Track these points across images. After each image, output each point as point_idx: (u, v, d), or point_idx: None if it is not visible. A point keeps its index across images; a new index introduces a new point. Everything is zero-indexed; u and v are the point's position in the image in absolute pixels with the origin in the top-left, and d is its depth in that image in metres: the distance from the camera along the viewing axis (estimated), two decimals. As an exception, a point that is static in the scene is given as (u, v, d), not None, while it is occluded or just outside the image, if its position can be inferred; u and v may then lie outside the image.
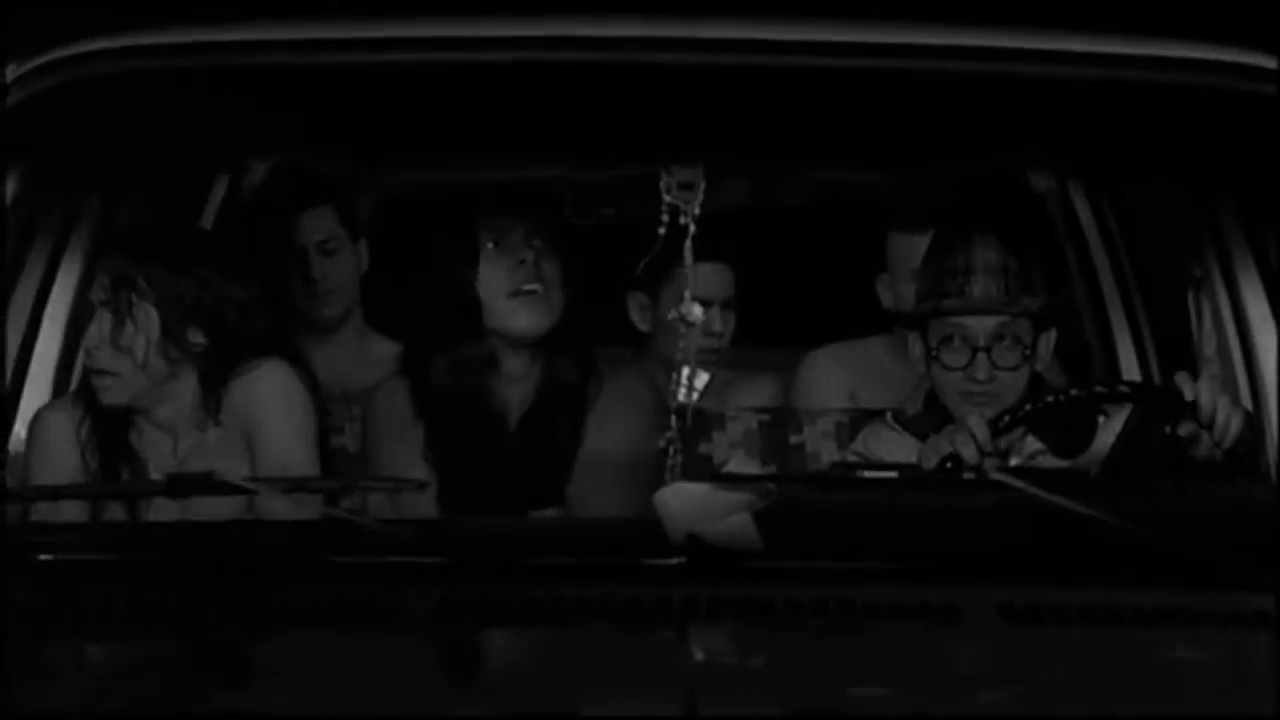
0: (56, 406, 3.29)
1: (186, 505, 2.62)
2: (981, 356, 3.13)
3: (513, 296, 3.10)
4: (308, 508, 2.56)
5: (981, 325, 3.15)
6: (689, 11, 2.85)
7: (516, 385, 3.17)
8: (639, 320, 3.79)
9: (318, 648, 2.20)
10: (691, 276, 3.58)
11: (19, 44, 2.86)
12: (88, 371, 3.20)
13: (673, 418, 2.96)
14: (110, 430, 3.21)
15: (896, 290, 3.79)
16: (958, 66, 2.79)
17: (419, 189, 4.36)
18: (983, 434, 2.90)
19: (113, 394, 3.18)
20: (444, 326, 3.13)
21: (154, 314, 3.15)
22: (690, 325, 2.95)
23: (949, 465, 2.85)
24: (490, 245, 3.10)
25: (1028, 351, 3.17)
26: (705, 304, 3.55)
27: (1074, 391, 3.10)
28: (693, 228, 2.84)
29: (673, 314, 3.27)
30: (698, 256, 3.31)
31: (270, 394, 3.20)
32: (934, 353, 3.17)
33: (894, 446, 3.23)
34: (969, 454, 2.88)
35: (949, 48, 2.79)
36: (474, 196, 3.26)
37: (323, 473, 3.23)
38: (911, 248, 3.70)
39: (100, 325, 3.16)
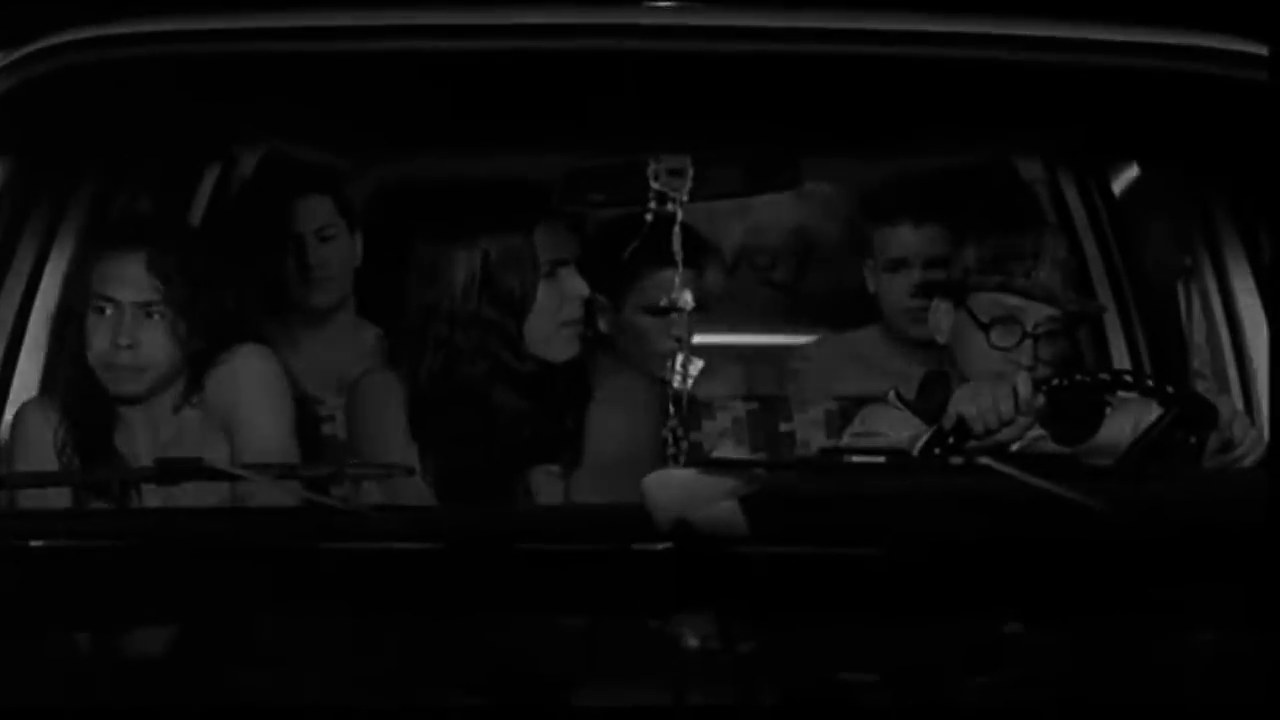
0: (34, 404, 3.27)
1: (169, 492, 2.63)
2: (1029, 342, 3.18)
3: (562, 327, 3.14)
4: (293, 494, 2.56)
5: (1036, 312, 3.19)
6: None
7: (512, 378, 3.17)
8: (600, 323, 3.79)
9: (307, 634, 2.20)
10: (656, 282, 3.62)
11: (7, 31, 2.85)
12: (98, 366, 3.18)
13: (671, 406, 2.97)
14: (91, 424, 3.20)
15: (879, 276, 3.82)
16: (947, 53, 2.79)
17: (412, 179, 4.35)
18: (1026, 391, 2.92)
19: (133, 388, 3.19)
20: (440, 319, 3.12)
21: (183, 310, 3.16)
22: (682, 311, 2.95)
23: (951, 440, 2.85)
24: (546, 274, 3.12)
25: (1064, 350, 3.22)
26: (668, 312, 3.57)
27: (1127, 377, 3.12)
28: (656, 227, 2.85)
29: (665, 301, 3.28)
30: (660, 261, 3.34)
31: (248, 377, 3.21)
32: (984, 327, 3.19)
33: (897, 423, 3.24)
34: (1007, 408, 2.90)
35: (938, 34, 2.79)
36: (486, 194, 3.25)
37: (311, 460, 3.24)
38: (895, 236, 3.75)
39: (128, 323, 3.15)
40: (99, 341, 3.17)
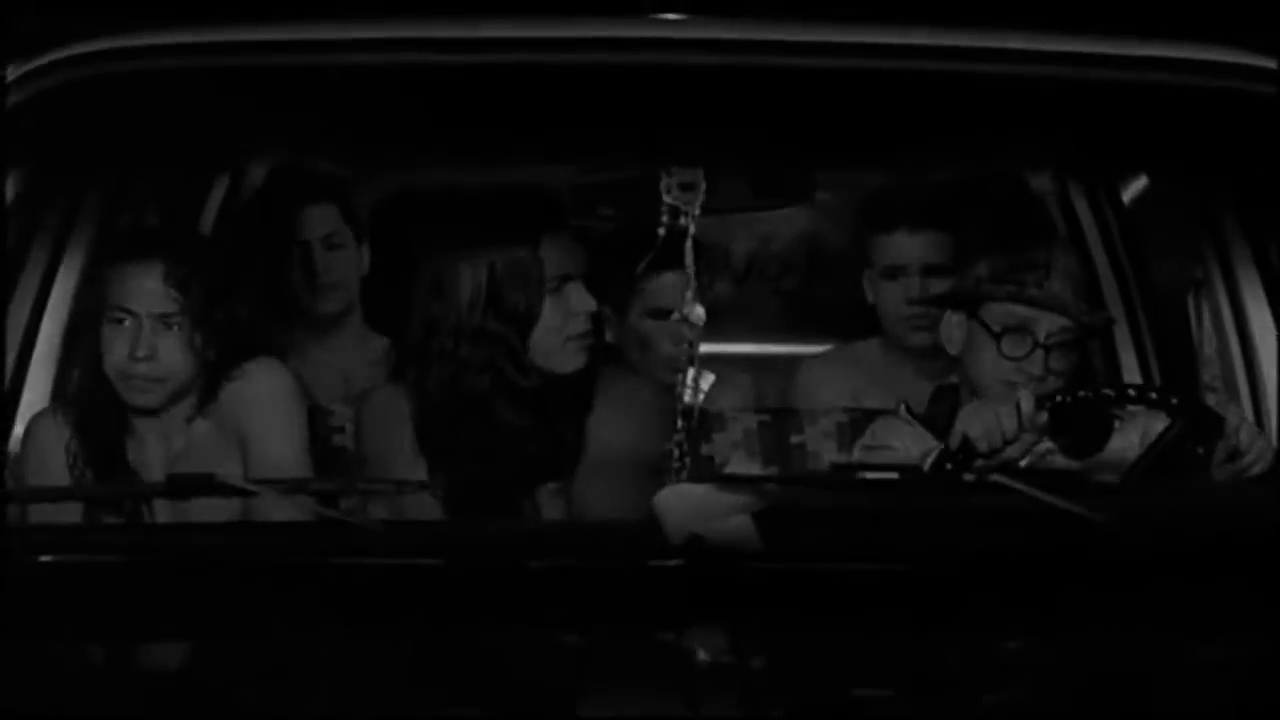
0: (45, 416, 3.27)
1: (181, 506, 2.63)
2: (1040, 352, 3.18)
3: (568, 342, 3.14)
4: (304, 508, 2.56)
5: (1048, 323, 3.20)
6: (688, 12, 2.86)
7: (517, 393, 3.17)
8: (607, 334, 3.79)
9: (318, 649, 2.20)
10: (659, 286, 3.64)
11: (19, 44, 2.85)
12: (115, 377, 3.18)
13: (678, 420, 2.97)
14: (103, 435, 3.20)
15: (875, 286, 3.82)
16: (956, 67, 2.80)
17: (420, 190, 4.35)
18: (1029, 408, 2.92)
19: (150, 399, 3.19)
20: (445, 331, 3.13)
21: (200, 321, 3.17)
22: (694, 326, 2.96)
23: (959, 458, 2.86)
24: (552, 289, 3.12)
25: (1075, 361, 3.23)
26: (669, 314, 3.58)
27: (1131, 390, 3.13)
28: (663, 235, 2.86)
29: (676, 315, 3.27)
30: (662, 265, 3.35)
31: (262, 393, 3.21)
32: (996, 337, 3.20)
33: (908, 438, 3.25)
34: (1010, 426, 2.91)
35: (947, 48, 2.80)
36: (502, 210, 3.25)
37: (319, 473, 3.24)
38: (892, 244, 3.76)
39: (146, 335, 3.15)
40: (116, 353, 3.17)
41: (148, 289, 3.16)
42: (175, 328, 3.17)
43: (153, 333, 3.16)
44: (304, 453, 3.22)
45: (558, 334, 3.12)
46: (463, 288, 3.10)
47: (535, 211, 3.16)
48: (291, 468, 3.15)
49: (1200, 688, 2.10)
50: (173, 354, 3.17)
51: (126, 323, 3.17)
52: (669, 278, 3.58)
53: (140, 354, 3.15)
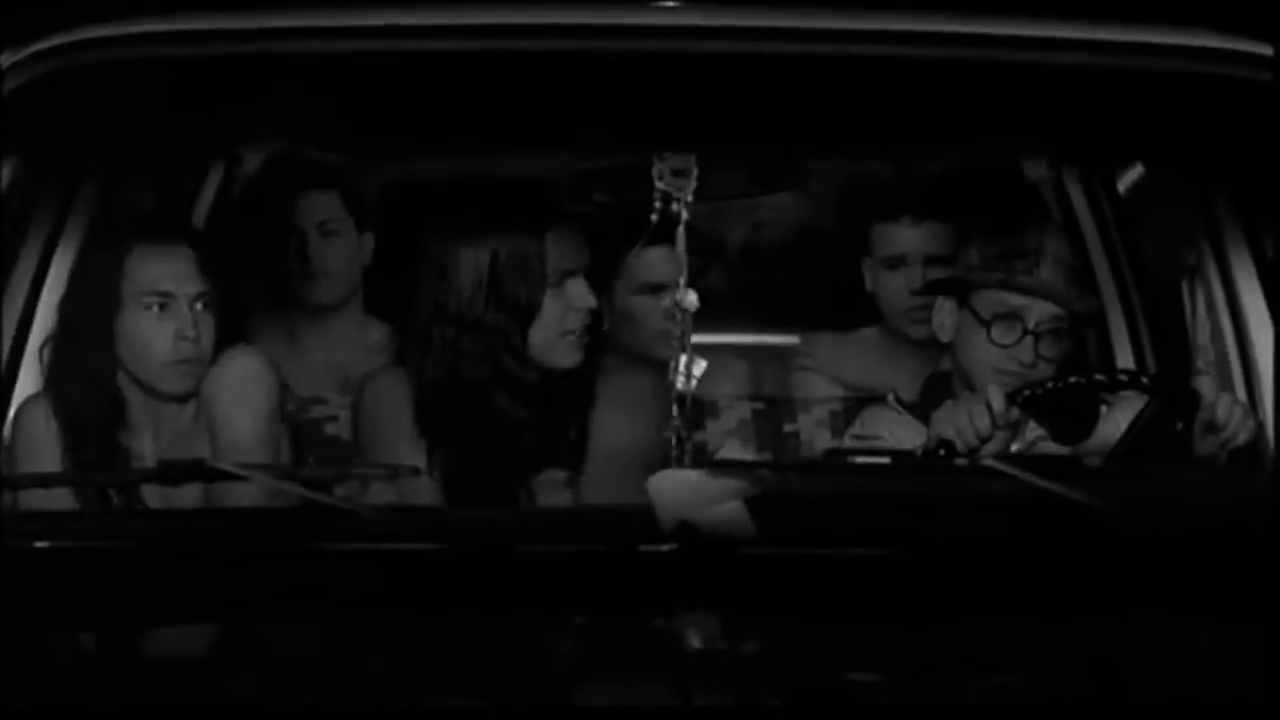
0: (36, 402, 3.25)
1: (170, 492, 2.63)
2: (1029, 339, 3.19)
3: (563, 337, 3.15)
4: (298, 495, 2.56)
5: (1039, 310, 3.21)
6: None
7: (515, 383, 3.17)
8: (604, 322, 3.78)
9: (312, 635, 2.20)
10: (648, 261, 3.64)
11: (14, 31, 2.85)
12: (160, 364, 3.17)
13: (674, 406, 2.97)
14: (97, 422, 3.20)
15: (875, 275, 3.82)
16: (950, 54, 2.80)
17: (425, 179, 4.35)
18: (999, 405, 2.93)
19: (187, 384, 3.19)
20: (447, 319, 3.13)
21: (221, 302, 3.18)
22: (686, 312, 2.95)
23: (943, 451, 2.86)
24: (554, 284, 3.12)
25: (1066, 348, 3.24)
26: (662, 288, 3.58)
27: (1098, 376, 3.13)
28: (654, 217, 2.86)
29: (668, 302, 3.27)
30: (651, 241, 3.34)
31: (230, 376, 3.20)
32: (986, 324, 3.20)
33: (896, 427, 3.26)
34: (983, 424, 2.92)
35: (942, 35, 2.79)
36: (514, 207, 3.25)
37: (313, 459, 3.25)
38: (894, 235, 3.76)
39: (188, 316, 3.15)
40: (161, 338, 3.16)
41: (182, 270, 3.17)
42: (208, 309, 3.18)
43: (192, 313, 3.16)
44: (269, 437, 3.22)
45: (556, 328, 3.13)
46: (465, 276, 3.11)
47: (541, 204, 3.16)
48: (254, 452, 3.14)
49: (1195, 672, 2.10)
50: (209, 334, 3.18)
51: (166, 306, 3.16)
52: (657, 252, 3.57)
53: (189, 334, 3.15)
